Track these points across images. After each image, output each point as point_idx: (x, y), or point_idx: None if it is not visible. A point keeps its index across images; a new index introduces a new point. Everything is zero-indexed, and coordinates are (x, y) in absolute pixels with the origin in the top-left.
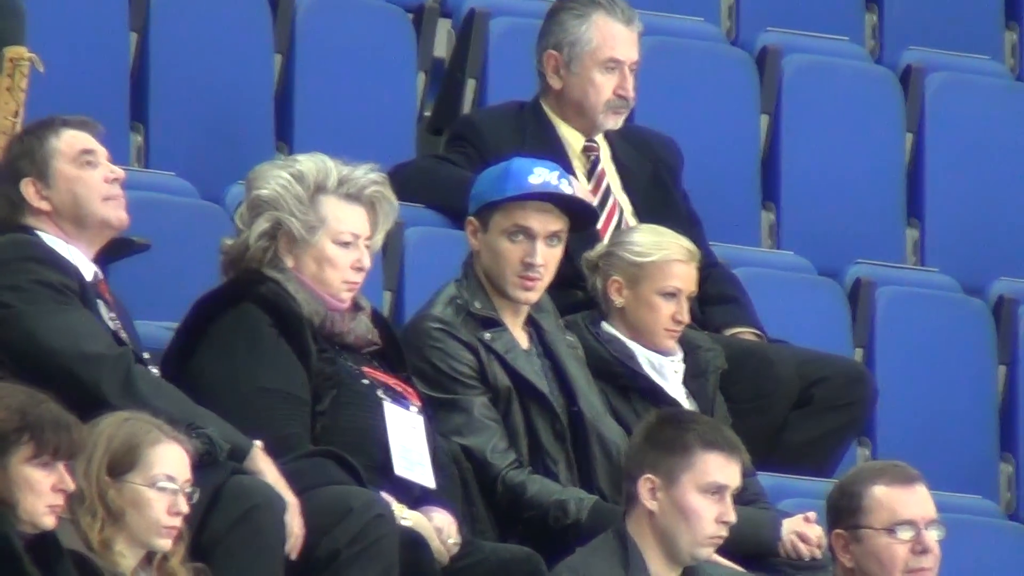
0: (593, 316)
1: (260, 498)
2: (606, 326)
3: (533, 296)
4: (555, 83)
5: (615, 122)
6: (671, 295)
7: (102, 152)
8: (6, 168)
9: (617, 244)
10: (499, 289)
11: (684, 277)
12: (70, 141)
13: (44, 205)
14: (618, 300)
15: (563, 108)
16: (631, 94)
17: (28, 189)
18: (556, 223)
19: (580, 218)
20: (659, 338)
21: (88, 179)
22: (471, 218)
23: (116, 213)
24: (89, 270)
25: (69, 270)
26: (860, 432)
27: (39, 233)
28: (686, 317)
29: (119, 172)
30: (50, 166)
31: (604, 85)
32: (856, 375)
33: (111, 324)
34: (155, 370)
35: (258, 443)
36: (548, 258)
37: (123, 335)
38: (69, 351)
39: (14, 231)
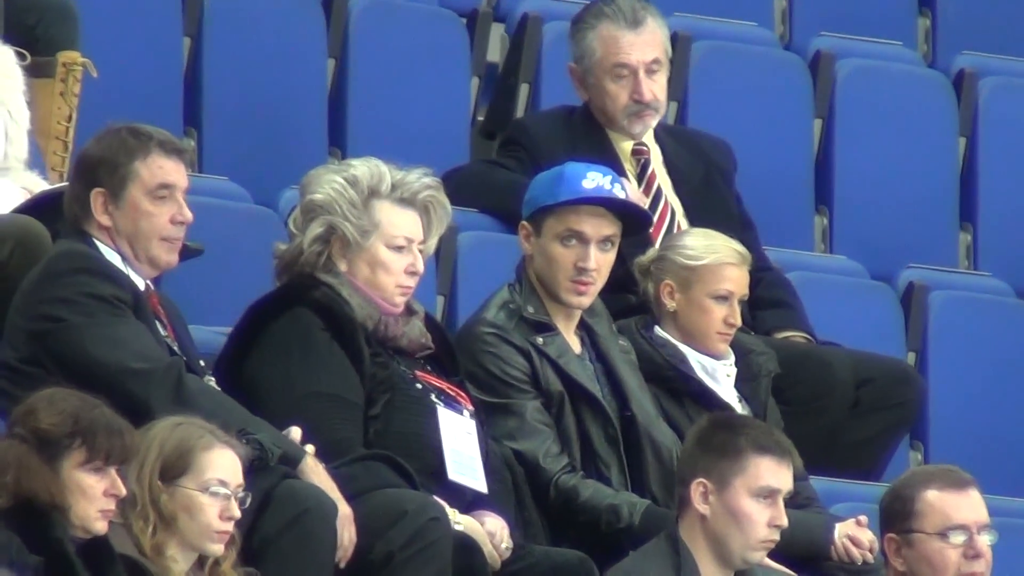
0: (646, 320)
1: (311, 502)
2: (658, 330)
3: (586, 300)
4: (583, 96)
5: (643, 125)
6: (723, 298)
7: (182, 186)
8: (86, 165)
9: (669, 248)
10: (552, 293)
11: (736, 280)
12: (154, 171)
13: (106, 220)
14: (670, 304)
15: (598, 115)
16: (647, 96)
17: (96, 200)
18: (609, 227)
19: (633, 222)
20: (711, 341)
21: (155, 215)
22: (524, 223)
23: (168, 257)
24: (142, 282)
25: (123, 282)
26: (910, 434)
27: (98, 243)
28: (738, 320)
29: (188, 216)
30: (125, 188)
31: (618, 92)
32: (902, 376)
33: (163, 333)
34: (211, 377)
35: (310, 450)
36: (601, 262)
37: (175, 346)
38: (119, 365)
39: (75, 236)
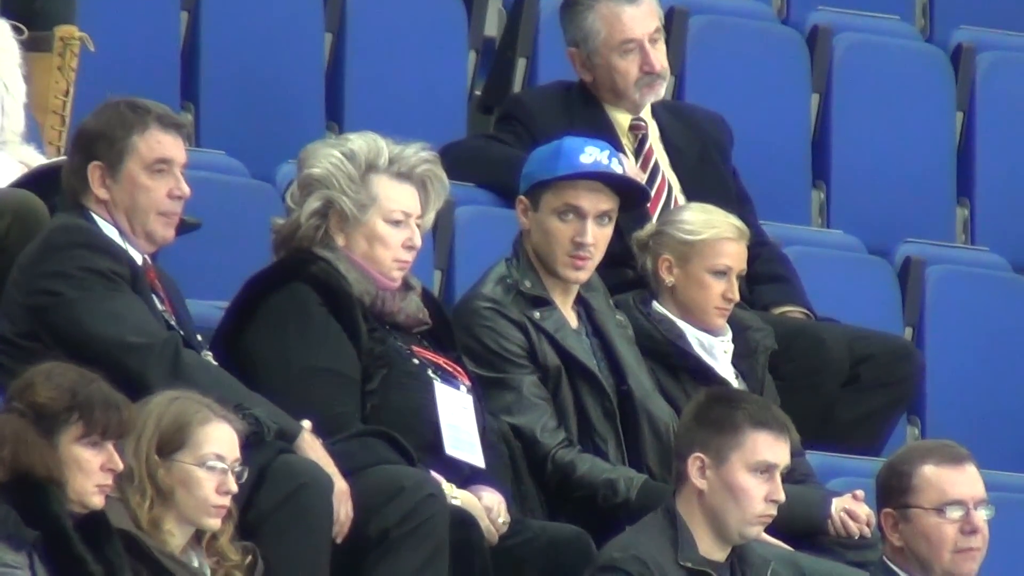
0: (643, 295)
1: (307, 477)
2: (656, 305)
3: (583, 275)
4: (586, 77)
5: (654, 95)
6: (721, 273)
7: (179, 161)
8: (83, 139)
9: (667, 223)
10: (549, 268)
11: (734, 255)
12: (152, 145)
13: (103, 194)
14: (668, 279)
15: (603, 93)
16: (657, 67)
17: (94, 174)
18: (606, 202)
19: (631, 197)
20: (709, 316)
21: (153, 190)
22: (521, 197)
23: (164, 232)
24: (139, 256)
25: (121, 256)
26: (907, 409)
27: (95, 216)
28: (736, 295)
29: (185, 191)
30: (123, 162)
31: (628, 68)
32: (902, 352)
33: (160, 308)
34: (208, 352)
35: (307, 425)
36: (598, 237)
37: (171, 320)
38: (116, 340)
39: (72, 210)
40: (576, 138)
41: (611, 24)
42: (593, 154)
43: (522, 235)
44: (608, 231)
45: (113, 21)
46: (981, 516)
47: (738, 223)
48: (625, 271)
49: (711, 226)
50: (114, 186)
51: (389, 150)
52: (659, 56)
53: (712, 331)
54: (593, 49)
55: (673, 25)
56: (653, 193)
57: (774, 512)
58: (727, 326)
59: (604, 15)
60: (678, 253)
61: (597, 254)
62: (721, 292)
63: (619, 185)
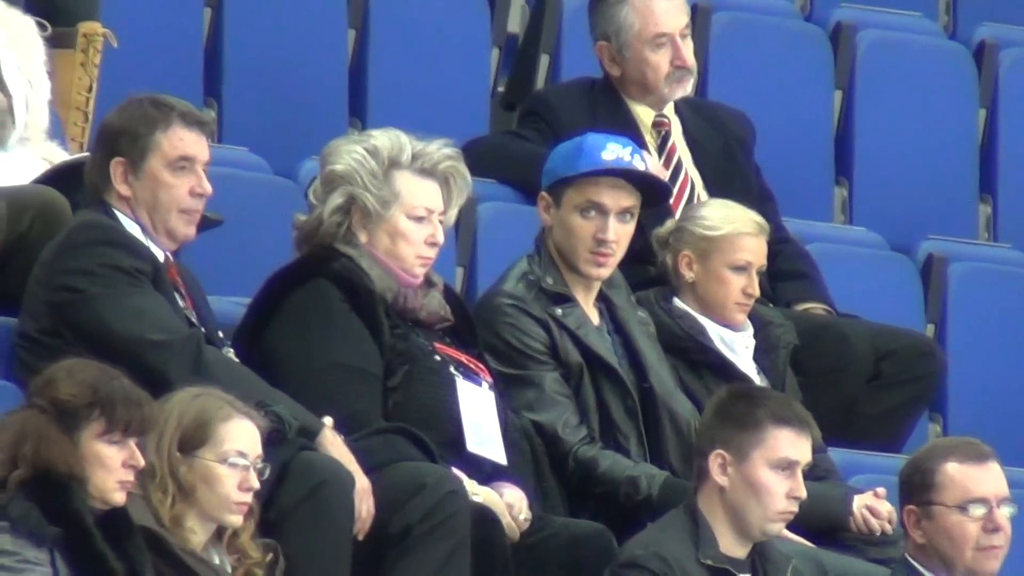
0: (664, 292)
1: (327, 474)
2: (677, 302)
3: (605, 272)
4: (614, 71)
5: (683, 90)
6: (741, 268)
7: (202, 159)
8: (107, 135)
9: (687, 219)
10: (571, 265)
11: (754, 250)
12: (175, 143)
13: (125, 190)
14: (688, 275)
15: (628, 88)
16: (688, 61)
17: (116, 170)
18: (628, 199)
19: (653, 194)
20: (730, 312)
21: (174, 187)
22: (543, 193)
23: (185, 229)
24: (161, 253)
25: (142, 253)
26: (929, 406)
27: (117, 213)
28: (756, 291)
29: (207, 188)
30: (145, 159)
31: (659, 61)
32: (925, 349)
33: (181, 305)
34: (229, 348)
35: (328, 422)
36: (620, 234)
37: (193, 317)
38: (138, 336)
39: (95, 207)
40: (598, 135)
41: (645, 17)
42: (615, 151)
43: (544, 232)
44: (630, 228)
45: (136, 17)
46: (1004, 514)
47: (758, 218)
48: (647, 268)
49: (730, 222)
50: (136, 183)
51: (412, 146)
52: (689, 51)
53: (733, 327)
54: (625, 42)
55: (696, 22)
56: (676, 189)
57: (796, 509)
58: (748, 322)
59: (638, 8)
60: (698, 249)
61: (619, 251)
62: (741, 287)
63: (641, 182)
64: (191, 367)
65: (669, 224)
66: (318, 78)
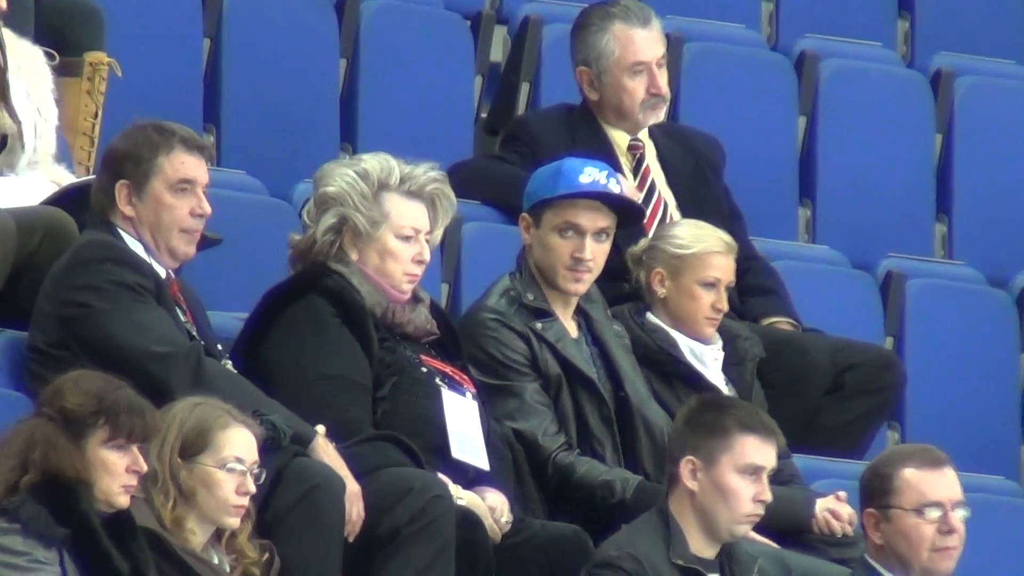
0: (638, 307)
1: (320, 479)
2: (650, 316)
3: (582, 288)
4: (592, 95)
5: (656, 117)
6: (711, 285)
7: (202, 181)
8: (111, 159)
9: (659, 238)
10: (550, 281)
11: (723, 268)
12: (176, 166)
13: (129, 211)
14: (661, 291)
15: (605, 113)
16: (663, 90)
17: (121, 192)
18: (604, 220)
19: (627, 215)
20: (700, 326)
21: (176, 208)
22: (524, 214)
23: (186, 248)
24: (163, 270)
25: (146, 270)
26: (890, 416)
27: (121, 232)
28: (725, 306)
29: (206, 209)
30: (149, 181)
31: (636, 88)
32: (886, 362)
33: (183, 319)
34: (228, 360)
35: (321, 430)
36: (596, 252)
37: (193, 331)
38: (141, 349)
39: (100, 227)
40: (576, 159)
41: (625, 46)
42: (592, 174)
43: (525, 250)
44: (606, 247)
45: (139, 47)
46: (958, 517)
47: (727, 238)
48: (622, 284)
49: (701, 241)
50: (140, 204)
51: (400, 169)
52: (664, 80)
53: (703, 340)
54: (604, 68)
55: (669, 51)
56: (649, 210)
57: (761, 512)
58: (717, 335)
59: (619, 36)
60: (670, 266)
61: (595, 268)
62: (711, 303)
63: (616, 204)
64: (192, 378)
65: (643, 243)
66: (311, 105)
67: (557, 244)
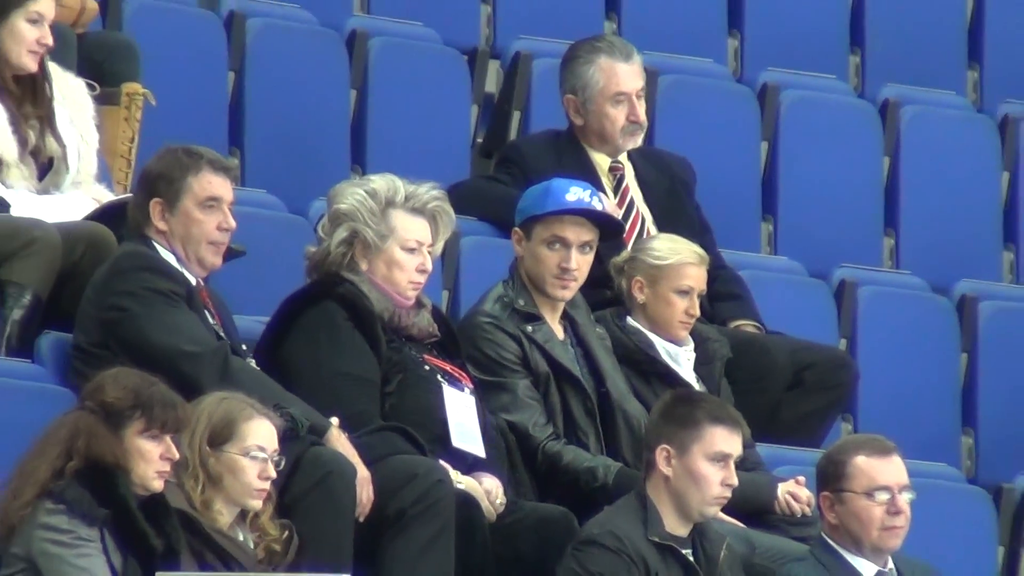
0: (619, 311)
1: (334, 465)
2: (630, 320)
3: (568, 294)
4: (578, 120)
5: (634, 142)
6: (685, 292)
7: (227, 199)
8: (147, 179)
9: (639, 250)
10: (540, 289)
11: (696, 277)
12: (204, 185)
13: (163, 226)
14: (640, 297)
15: (589, 138)
16: (641, 118)
17: (155, 209)
18: (588, 234)
19: (608, 229)
20: (675, 329)
21: (204, 223)
22: (516, 229)
23: (213, 259)
24: (193, 278)
25: (178, 278)
26: (843, 409)
27: (156, 244)
28: (697, 312)
29: (232, 224)
30: (179, 199)
31: (617, 116)
32: (841, 361)
33: (211, 322)
34: (251, 359)
35: (334, 421)
36: (581, 263)
37: (220, 332)
38: (174, 348)
39: (137, 239)
40: (563, 179)
41: (609, 77)
42: (577, 193)
43: (517, 261)
44: (589, 258)
45: (171, 79)
46: (904, 499)
47: (699, 250)
48: (604, 291)
49: (676, 253)
50: (172, 219)
51: (405, 189)
52: (642, 110)
53: (677, 342)
54: (589, 96)
55: (645, 82)
56: (629, 224)
57: (729, 495)
58: (690, 338)
59: (604, 69)
60: (649, 275)
61: (580, 277)
62: (684, 308)
63: (599, 219)
64: (219, 375)
65: (624, 254)
66: (325, 131)
67: (546, 255)
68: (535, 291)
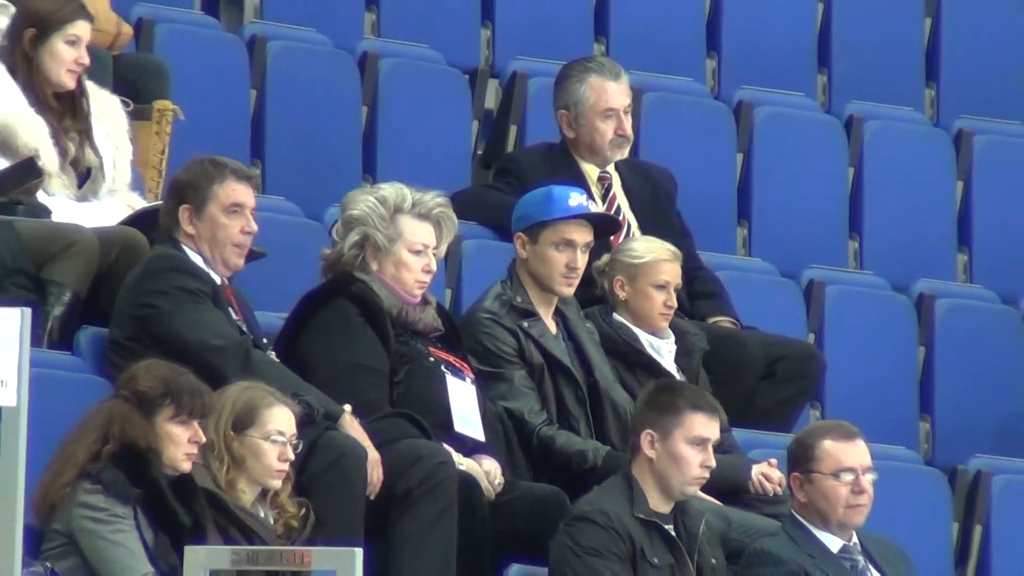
0: (606, 308)
1: (347, 448)
2: (616, 316)
3: (572, 291)
4: (570, 134)
5: (621, 154)
6: (662, 287)
7: (250, 205)
8: (176, 187)
9: (618, 252)
10: (547, 287)
11: (671, 272)
12: (228, 193)
13: (191, 230)
14: (622, 294)
15: (580, 150)
16: (628, 132)
17: (183, 214)
18: (589, 235)
19: (601, 229)
20: (655, 321)
21: (229, 227)
22: (520, 234)
23: (236, 260)
24: (218, 278)
25: (204, 278)
26: (812, 397)
27: (184, 247)
28: (674, 303)
29: (254, 228)
30: (206, 205)
31: (606, 130)
32: (809, 353)
33: (235, 318)
34: (271, 351)
35: (347, 408)
36: (583, 262)
37: (243, 327)
38: (201, 342)
39: (167, 242)
40: (560, 187)
41: (599, 94)
42: (577, 198)
43: (514, 262)
44: (587, 256)
45: (198, 96)
46: (868, 480)
47: (673, 248)
48: (593, 290)
49: (652, 251)
50: (199, 224)
51: (412, 196)
52: (629, 124)
53: (659, 334)
54: (581, 112)
55: (632, 99)
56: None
57: (707, 476)
58: (671, 331)
59: (594, 87)
60: (628, 274)
61: (581, 274)
62: (663, 301)
63: (597, 221)
64: (241, 366)
65: (605, 257)
66: (338, 143)
67: (554, 256)
68: (532, 289)
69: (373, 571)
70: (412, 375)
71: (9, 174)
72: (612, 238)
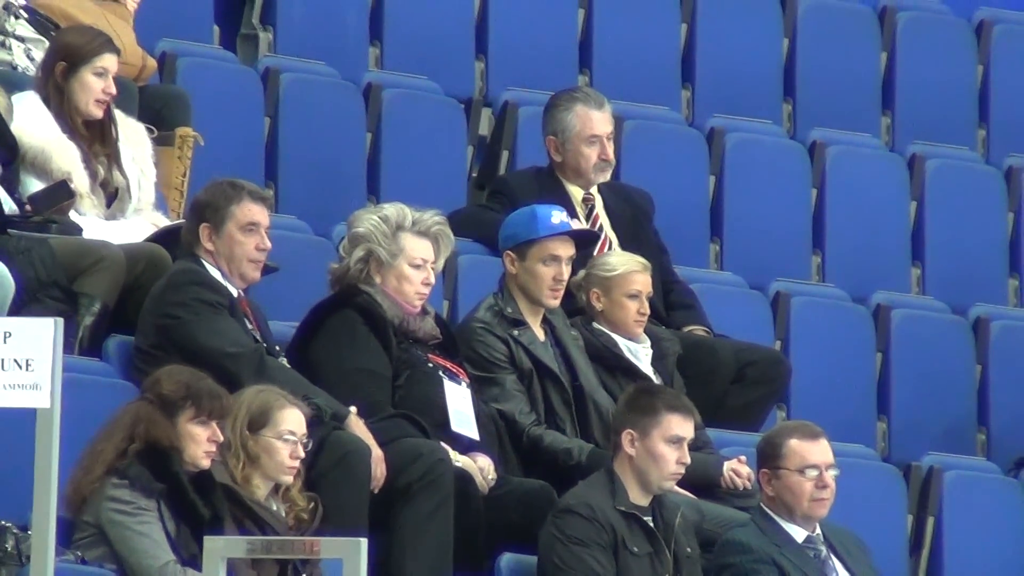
0: (588, 318)
1: (352, 447)
2: (596, 325)
3: (558, 302)
4: (557, 158)
5: (604, 177)
6: (634, 296)
7: (264, 224)
8: (196, 207)
9: (592, 266)
10: (535, 299)
11: (642, 282)
12: (245, 212)
13: (210, 246)
14: (598, 306)
15: (566, 173)
16: (610, 156)
17: (204, 232)
18: (571, 249)
19: (581, 243)
20: (631, 327)
21: (245, 244)
22: (508, 251)
23: (253, 274)
24: (235, 290)
25: (222, 291)
26: (779, 400)
27: (204, 262)
28: (647, 310)
29: (268, 245)
30: (224, 224)
31: (591, 154)
32: (777, 359)
33: (250, 327)
34: (284, 358)
35: (353, 410)
36: (567, 274)
37: (258, 335)
38: (219, 350)
39: (188, 257)
40: (542, 206)
41: (584, 122)
42: (559, 216)
43: (505, 276)
44: (571, 268)
45: (217, 123)
46: (830, 475)
47: (643, 260)
48: (575, 301)
49: (623, 264)
50: (218, 241)
51: (412, 215)
52: (611, 149)
53: (636, 340)
54: (567, 138)
55: (614, 126)
56: (598, 247)
57: (683, 471)
58: (647, 337)
59: (580, 114)
60: (603, 286)
61: (565, 285)
62: (636, 309)
63: (578, 236)
64: (256, 371)
65: (581, 273)
66: (345, 167)
67: (543, 271)
68: (521, 301)
69: (377, 559)
70: (412, 379)
71: (44, 195)
72: (595, 254)
